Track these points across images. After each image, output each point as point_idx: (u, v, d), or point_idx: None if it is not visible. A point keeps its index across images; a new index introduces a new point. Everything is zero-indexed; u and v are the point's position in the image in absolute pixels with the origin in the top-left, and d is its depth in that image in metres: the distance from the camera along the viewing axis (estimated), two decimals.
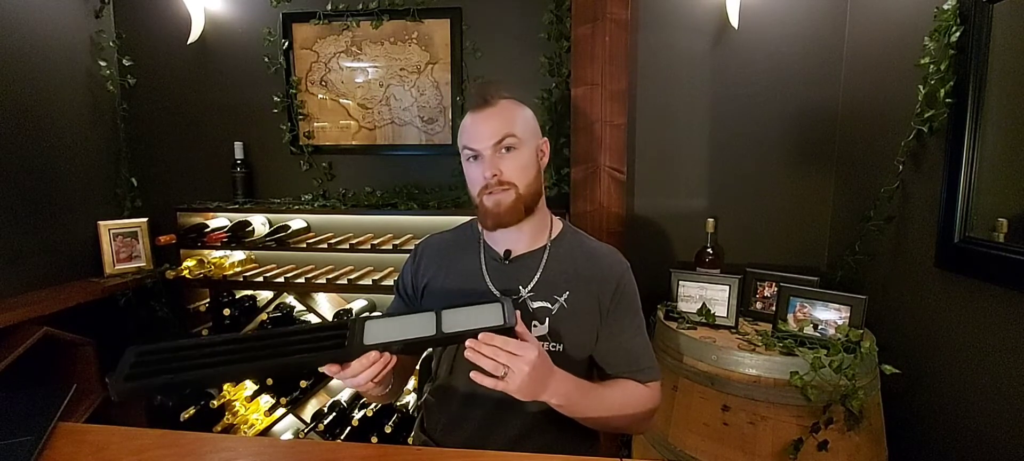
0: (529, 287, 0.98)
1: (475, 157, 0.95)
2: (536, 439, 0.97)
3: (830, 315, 1.39)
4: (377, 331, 0.78)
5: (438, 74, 2.10)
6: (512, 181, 0.94)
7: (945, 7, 1.25)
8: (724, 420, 1.35)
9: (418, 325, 0.79)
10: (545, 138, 1.03)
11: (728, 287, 1.57)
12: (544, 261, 1.00)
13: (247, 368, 0.75)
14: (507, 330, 0.76)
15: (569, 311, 0.97)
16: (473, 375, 0.77)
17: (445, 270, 1.04)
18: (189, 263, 1.98)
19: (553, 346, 0.97)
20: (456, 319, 0.78)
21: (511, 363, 0.75)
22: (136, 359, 0.72)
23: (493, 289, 0.98)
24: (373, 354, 0.75)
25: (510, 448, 0.95)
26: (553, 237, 1.04)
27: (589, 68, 1.73)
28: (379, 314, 0.84)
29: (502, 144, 0.93)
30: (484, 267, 1.01)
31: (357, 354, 0.74)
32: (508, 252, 1.01)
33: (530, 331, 0.93)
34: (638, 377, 0.98)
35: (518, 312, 0.79)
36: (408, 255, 1.11)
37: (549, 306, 0.97)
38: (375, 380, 0.77)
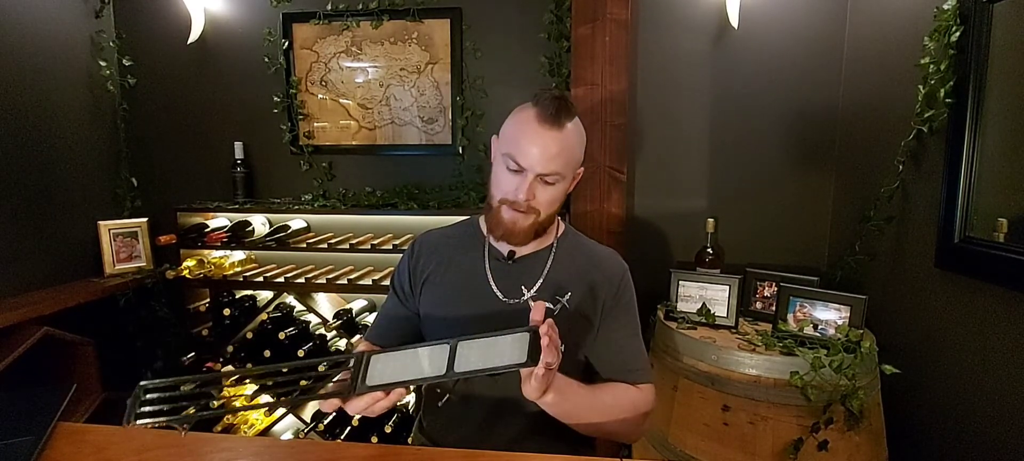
0: (534, 288, 0.98)
1: (516, 170, 0.91)
2: (535, 440, 0.97)
3: (830, 315, 1.39)
4: (383, 370, 0.77)
5: (438, 74, 2.10)
6: (538, 209, 0.93)
7: (945, 7, 1.25)
8: (724, 420, 1.35)
9: (428, 361, 0.76)
10: (582, 167, 0.99)
11: (728, 287, 1.57)
12: (550, 262, 1.00)
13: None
14: (528, 367, 0.71)
15: (571, 312, 0.97)
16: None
17: (445, 265, 1.03)
18: (189, 263, 1.98)
19: None
20: (472, 355, 0.74)
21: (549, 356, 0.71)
22: (145, 398, 0.72)
23: (496, 290, 0.98)
24: (378, 393, 0.75)
25: (508, 449, 0.95)
26: (558, 236, 1.04)
27: (589, 68, 1.73)
28: (390, 348, 0.81)
29: (548, 177, 0.90)
30: (487, 266, 1.01)
31: (361, 393, 0.75)
32: (512, 252, 1.00)
33: None
34: (629, 379, 0.98)
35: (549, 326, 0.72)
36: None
37: (552, 307, 0.96)
38: (383, 408, 0.77)
